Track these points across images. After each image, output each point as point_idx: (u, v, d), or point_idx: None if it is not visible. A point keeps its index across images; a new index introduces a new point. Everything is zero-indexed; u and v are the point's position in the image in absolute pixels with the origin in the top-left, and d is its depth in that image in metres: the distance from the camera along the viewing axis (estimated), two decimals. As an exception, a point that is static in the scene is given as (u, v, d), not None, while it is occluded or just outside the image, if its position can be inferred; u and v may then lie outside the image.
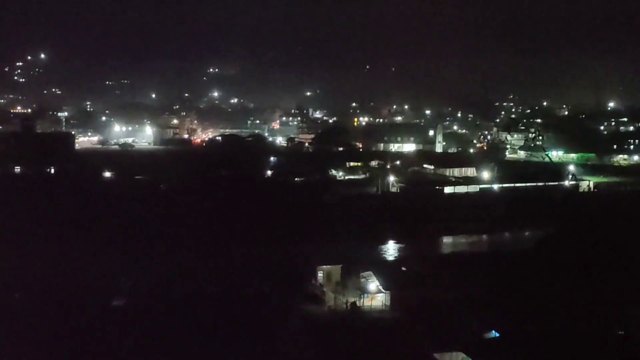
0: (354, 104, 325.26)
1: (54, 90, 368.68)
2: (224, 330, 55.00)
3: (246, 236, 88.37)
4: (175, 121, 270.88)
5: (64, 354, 49.07)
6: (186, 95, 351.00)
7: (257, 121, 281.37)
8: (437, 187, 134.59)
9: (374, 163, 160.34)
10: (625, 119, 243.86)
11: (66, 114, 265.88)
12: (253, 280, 68.92)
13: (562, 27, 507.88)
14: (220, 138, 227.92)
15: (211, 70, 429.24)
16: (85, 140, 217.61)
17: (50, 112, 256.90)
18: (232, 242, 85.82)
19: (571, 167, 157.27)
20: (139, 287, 66.01)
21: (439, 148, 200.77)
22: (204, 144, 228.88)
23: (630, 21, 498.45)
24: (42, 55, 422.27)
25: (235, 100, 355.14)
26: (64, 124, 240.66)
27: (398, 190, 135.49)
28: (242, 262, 75.84)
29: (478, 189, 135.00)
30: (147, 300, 62.70)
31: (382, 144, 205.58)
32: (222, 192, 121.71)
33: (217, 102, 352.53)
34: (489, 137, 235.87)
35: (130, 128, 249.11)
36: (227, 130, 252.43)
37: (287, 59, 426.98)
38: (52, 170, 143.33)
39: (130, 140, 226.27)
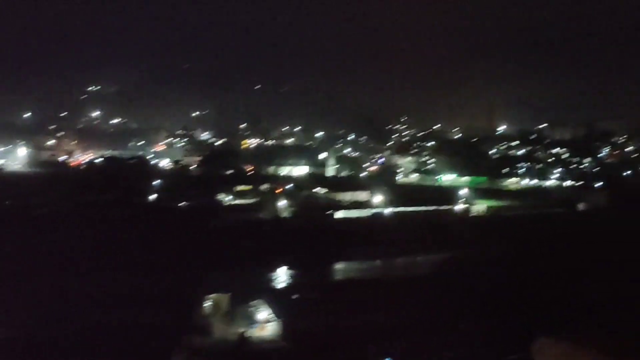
0: (243, 125, 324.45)
1: None
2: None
3: (126, 264, 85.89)
4: (50, 142, 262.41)
5: None
6: (64, 114, 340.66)
7: (141, 142, 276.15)
8: (329, 212, 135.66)
9: (264, 187, 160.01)
10: (516, 143, 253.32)
11: None
12: (133, 312, 66.91)
13: (452, 51, 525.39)
14: (99, 160, 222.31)
15: (91, 87, 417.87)
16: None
17: None
18: (111, 270, 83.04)
19: (463, 191, 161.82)
20: (10, 319, 63.06)
21: (331, 171, 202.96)
22: (83, 167, 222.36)
23: (520, 47, 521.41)
24: None
25: (117, 120, 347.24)
26: None
27: (289, 215, 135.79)
28: (122, 292, 73.51)
29: (371, 213, 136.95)
30: (22, 332, 59.99)
31: (272, 167, 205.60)
32: (101, 217, 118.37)
33: (97, 121, 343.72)
34: (381, 160, 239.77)
35: (1, 149, 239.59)
36: (107, 151, 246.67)
37: (172, 77, 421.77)
38: None
39: (0, 162, 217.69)
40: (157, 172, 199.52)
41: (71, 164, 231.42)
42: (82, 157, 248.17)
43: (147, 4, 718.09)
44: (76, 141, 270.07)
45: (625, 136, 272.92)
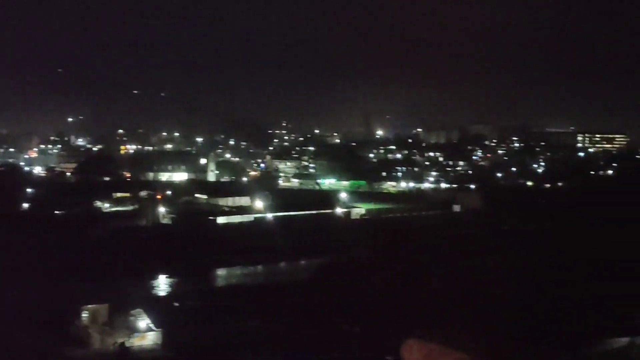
0: (120, 131, 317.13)
1: None
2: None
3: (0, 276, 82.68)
4: None
5: None
6: None
7: (11, 149, 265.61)
8: (210, 218, 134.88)
9: (143, 193, 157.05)
10: (393, 147, 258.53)
11: None
12: (5, 327, 64.47)
13: (329, 58, 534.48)
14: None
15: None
16: None
17: None
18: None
19: (343, 195, 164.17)
20: None
21: (211, 177, 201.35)
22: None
23: (393, 55, 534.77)
24: None
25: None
26: None
27: (169, 222, 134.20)
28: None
29: (252, 219, 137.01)
30: None
31: (152, 173, 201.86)
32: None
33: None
34: (262, 165, 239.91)
35: None
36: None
37: (45, 81, 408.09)
38: None
39: None
40: (30, 179, 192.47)
41: None
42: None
43: (16, 5, 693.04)
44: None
45: (495, 140, 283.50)
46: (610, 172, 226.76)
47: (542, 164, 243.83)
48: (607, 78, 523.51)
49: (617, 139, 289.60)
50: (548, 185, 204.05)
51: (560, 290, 78.45)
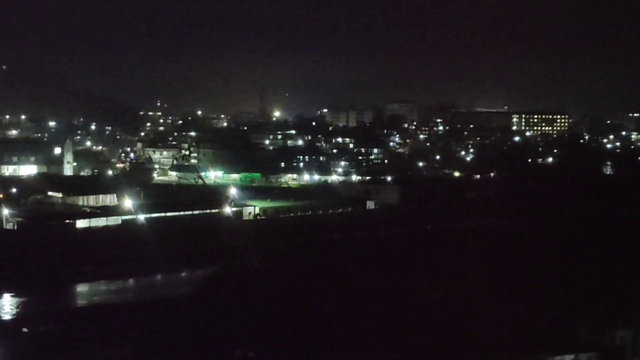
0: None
1: None
2: None
3: None
4: None
5: None
6: None
7: None
8: (67, 221, 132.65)
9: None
10: (293, 132, 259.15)
11: None
12: None
13: (213, 22, 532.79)
14: None
15: None
16: None
17: None
18: None
19: (233, 190, 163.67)
20: None
21: (68, 170, 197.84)
22: None
23: (293, 16, 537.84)
24: None
25: None
26: None
27: (15, 227, 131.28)
28: None
29: (120, 221, 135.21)
30: None
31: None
32: None
33: None
34: (132, 155, 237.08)
35: None
36: None
37: None
38: None
39: None
40: None
41: None
42: None
43: None
44: None
45: (415, 122, 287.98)
46: (550, 159, 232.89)
47: (471, 150, 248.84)
48: (545, 51, 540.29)
49: (558, 120, 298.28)
50: (478, 176, 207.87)
51: (488, 298, 79.98)
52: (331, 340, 63.92)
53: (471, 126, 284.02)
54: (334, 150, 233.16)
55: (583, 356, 63.40)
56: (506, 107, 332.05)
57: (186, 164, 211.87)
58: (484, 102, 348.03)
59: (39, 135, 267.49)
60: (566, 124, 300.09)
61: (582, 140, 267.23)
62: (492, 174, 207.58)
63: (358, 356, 60.16)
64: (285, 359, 61.38)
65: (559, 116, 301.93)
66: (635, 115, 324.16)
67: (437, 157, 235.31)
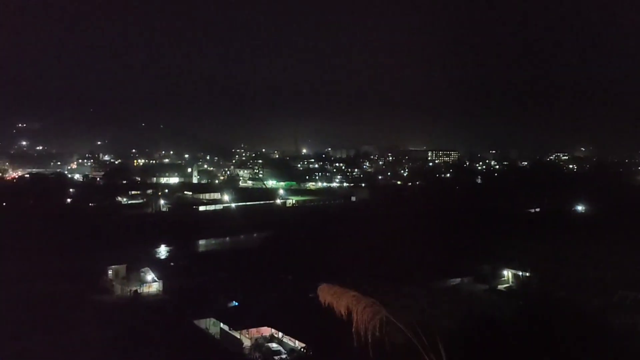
0: (133, 150, 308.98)
1: None
2: (37, 315, 49.21)
3: (52, 249, 79.36)
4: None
5: None
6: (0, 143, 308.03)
7: (59, 163, 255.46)
8: (194, 207, 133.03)
9: (149, 191, 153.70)
10: (312, 160, 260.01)
11: None
12: (57, 281, 62.10)
13: (266, 102, 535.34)
14: (27, 175, 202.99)
15: (19, 125, 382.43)
16: None
17: None
18: (40, 254, 76.39)
19: (281, 191, 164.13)
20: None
21: (194, 180, 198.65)
22: (15, 180, 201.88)
23: (309, 97, 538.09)
24: None
25: (40, 147, 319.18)
26: None
27: (167, 210, 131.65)
28: (49, 269, 67.91)
29: (222, 207, 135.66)
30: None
31: (155, 178, 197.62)
32: (29, 215, 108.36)
33: (25, 148, 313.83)
34: (228, 172, 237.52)
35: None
36: (33, 170, 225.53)
37: (81, 117, 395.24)
38: None
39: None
40: (72, 183, 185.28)
41: (5, 179, 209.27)
42: (14, 174, 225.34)
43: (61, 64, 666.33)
44: (9, 162, 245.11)
45: (377, 156, 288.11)
46: (448, 175, 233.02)
47: (406, 170, 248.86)
48: (447, 112, 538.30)
49: (452, 154, 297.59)
50: (410, 183, 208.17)
51: (420, 245, 79.69)
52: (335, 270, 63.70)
53: (406, 157, 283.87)
54: (334, 170, 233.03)
55: (464, 279, 63.29)
56: (424, 147, 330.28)
57: (256, 177, 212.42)
58: (413, 143, 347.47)
59: (180, 161, 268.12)
60: (456, 156, 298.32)
61: (464, 165, 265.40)
62: (417, 183, 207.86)
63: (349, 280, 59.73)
64: (309, 281, 61.07)
65: (452, 152, 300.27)
66: (492, 151, 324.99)
67: (389, 173, 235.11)
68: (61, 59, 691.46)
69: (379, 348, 10.99)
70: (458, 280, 63.45)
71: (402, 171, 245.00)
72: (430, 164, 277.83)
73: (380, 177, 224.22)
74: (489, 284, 62.18)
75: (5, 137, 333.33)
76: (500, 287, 62.10)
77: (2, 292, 57.97)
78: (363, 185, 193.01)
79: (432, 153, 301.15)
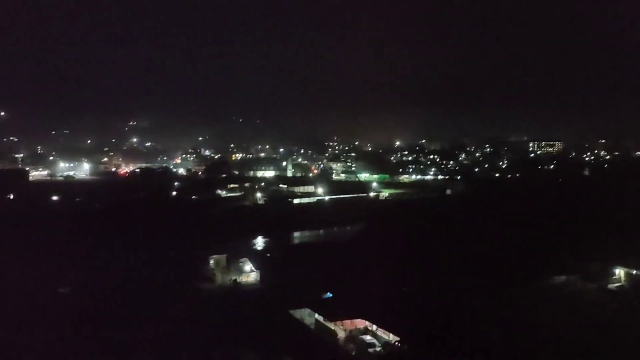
0: (232, 145, 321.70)
1: (11, 138, 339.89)
2: (145, 302, 53.01)
3: (159, 239, 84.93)
4: (105, 159, 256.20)
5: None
6: (113, 140, 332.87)
7: (165, 158, 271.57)
8: (289, 199, 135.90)
9: (246, 185, 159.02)
10: (406, 152, 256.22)
11: (21, 155, 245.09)
12: (164, 270, 66.42)
13: (364, 96, 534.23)
14: (138, 170, 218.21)
15: (131, 123, 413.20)
16: (36, 174, 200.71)
17: (9, 155, 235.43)
18: (149, 243, 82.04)
19: (374, 184, 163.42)
20: (79, 279, 62.04)
21: (289, 173, 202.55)
22: (127, 175, 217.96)
23: (404, 90, 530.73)
24: (1, 113, 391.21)
25: (149, 144, 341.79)
26: (19, 162, 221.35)
27: (263, 202, 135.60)
28: (156, 258, 72.75)
29: (315, 200, 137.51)
30: (87, 288, 59.09)
31: (252, 172, 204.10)
32: (140, 207, 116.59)
33: (135, 145, 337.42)
34: (321, 165, 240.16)
35: (71, 164, 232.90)
36: (143, 164, 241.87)
37: (184, 115, 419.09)
38: (12, 196, 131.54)
39: (71, 173, 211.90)
40: (177, 177, 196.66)
41: (119, 173, 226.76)
42: (126, 169, 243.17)
43: (167, 67, 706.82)
44: (122, 158, 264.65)
45: (474, 147, 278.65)
46: (551, 166, 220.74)
47: (505, 162, 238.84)
48: (551, 100, 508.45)
49: (556, 145, 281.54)
50: (509, 176, 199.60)
51: (521, 241, 76.30)
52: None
53: (505, 148, 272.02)
54: (428, 163, 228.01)
55: (570, 278, 59.55)
56: (525, 137, 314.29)
57: (349, 170, 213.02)
58: (513, 134, 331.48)
59: (275, 155, 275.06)
60: (561, 147, 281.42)
61: (570, 156, 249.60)
62: (517, 175, 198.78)
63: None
64: (402, 273, 60.33)
65: (556, 142, 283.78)
66: (602, 141, 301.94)
67: (486, 165, 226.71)
68: (165, 62, 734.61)
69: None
70: (563, 278, 60.02)
71: (500, 163, 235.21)
72: (532, 155, 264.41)
73: (477, 170, 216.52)
74: (598, 282, 58.18)
75: (118, 135, 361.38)
76: (610, 286, 57.95)
77: (118, 276, 63.12)
78: (459, 177, 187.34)
79: (534, 144, 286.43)
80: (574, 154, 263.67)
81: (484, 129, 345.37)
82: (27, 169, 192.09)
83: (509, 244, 75.41)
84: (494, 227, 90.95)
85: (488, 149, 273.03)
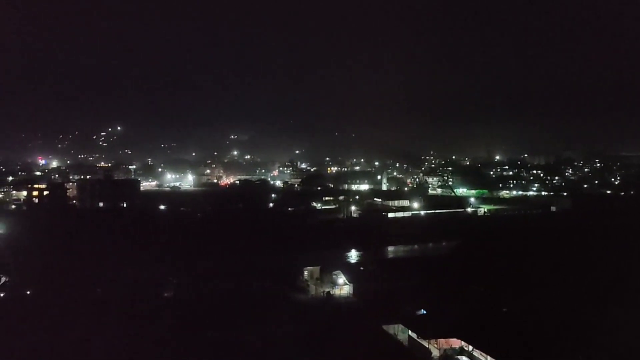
0: (327, 158, 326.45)
1: (125, 151, 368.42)
2: (243, 309, 54.73)
3: (256, 248, 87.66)
4: (208, 171, 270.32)
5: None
6: (215, 153, 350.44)
7: (263, 170, 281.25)
8: (383, 213, 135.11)
9: (341, 197, 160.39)
10: (506, 167, 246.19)
11: (134, 166, 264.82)
12: (261, 278, 68.28)
13: (460, 108, 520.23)
14: (238, 182, 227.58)
15: (232, 136, 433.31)
16: (147, 185, 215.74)
17: (123, 166, 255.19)
18: (247, 252, 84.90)
19: (471, 199, 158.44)
20: (182, 283, 65.53)
21: (384, 187, 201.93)
22: (228, 186, 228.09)
23: (505, 102, 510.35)
24: (118, 128, 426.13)
25: (248, 156, 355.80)
26: (133, 173, 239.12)
27: (357, 216, 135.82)
28: (254, 266, 75.02)
29: (410, 214, 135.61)
30: (190, 292, 62.23)
31: (346, 185, 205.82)
32: (239, 217, 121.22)
33: (236, 158, 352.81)
34: (416, 179, 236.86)
35: (177, 175, 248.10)
36: (242, 176, 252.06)
37: (282, 129, 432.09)
38: (125, 205, 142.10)
39: (177, 184, 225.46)
40: (274, 189, 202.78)
41: (221, 184, 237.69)
42: (227, 180, 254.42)
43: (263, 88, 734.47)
44: (223, 170, 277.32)
45: (581, 162, 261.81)
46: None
47: (618, 178, 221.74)
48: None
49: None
50: (622, 193, 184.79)
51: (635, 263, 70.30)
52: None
53: (617, 163, 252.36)
54: (531, 178, 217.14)
55: None
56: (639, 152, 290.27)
57: (446, 184, 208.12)
58: (626, 147, 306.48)
59: (370, 169, 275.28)
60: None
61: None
62: (631, 192, 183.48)
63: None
64: (502, 293, 57.80)
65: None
66: None
67: (596, 181, 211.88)
68: (265, 78, 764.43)
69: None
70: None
71: (612, 179, 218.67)
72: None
73: (585, 186, 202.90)
74: None
75: (220, 148, 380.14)
76: None
77: (216, 282, 65.81)
78: (565, 194, 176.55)
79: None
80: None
81: (591, 142, 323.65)
82: (139, 179, 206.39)
83: (621, 265, 69.71)
84: (604, 246, 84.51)
85: (598, 164, 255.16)
